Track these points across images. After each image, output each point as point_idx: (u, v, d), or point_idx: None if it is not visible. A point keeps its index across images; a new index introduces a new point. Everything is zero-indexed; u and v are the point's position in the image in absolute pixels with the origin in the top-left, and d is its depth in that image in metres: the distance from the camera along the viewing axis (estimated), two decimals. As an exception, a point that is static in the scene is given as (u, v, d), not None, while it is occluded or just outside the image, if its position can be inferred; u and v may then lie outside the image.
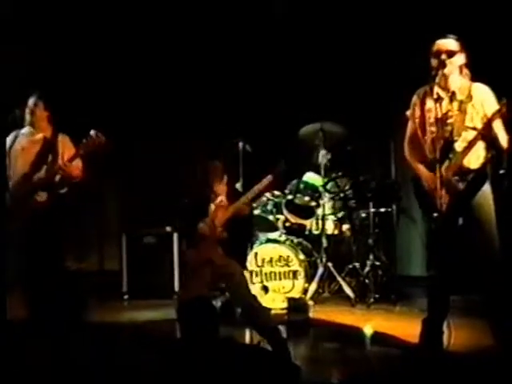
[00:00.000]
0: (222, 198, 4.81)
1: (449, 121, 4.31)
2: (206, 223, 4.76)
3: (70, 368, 4.38)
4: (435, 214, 4.24)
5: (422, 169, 4.41)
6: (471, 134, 4.26)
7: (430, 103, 4.38)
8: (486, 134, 4.21)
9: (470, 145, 4.24)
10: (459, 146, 4.28)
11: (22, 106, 5.34)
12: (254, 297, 4.77)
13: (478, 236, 4.31)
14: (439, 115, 4.27)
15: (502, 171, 6.08)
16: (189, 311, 4.71)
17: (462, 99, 4.31)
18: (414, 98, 4.53)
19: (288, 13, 7.63)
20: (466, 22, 6.03)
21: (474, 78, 4.40)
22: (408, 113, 4.56)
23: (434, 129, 4.32)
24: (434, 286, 4.47)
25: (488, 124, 4.17)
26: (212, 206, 4.80)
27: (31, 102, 5.36)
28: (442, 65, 4.25)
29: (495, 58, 6.08)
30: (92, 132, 5.11)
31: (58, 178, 5.18)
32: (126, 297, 7.38)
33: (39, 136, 5.35)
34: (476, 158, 4.30)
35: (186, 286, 4.88)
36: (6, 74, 4.62)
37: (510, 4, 5.99)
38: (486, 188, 4.34)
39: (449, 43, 4.33)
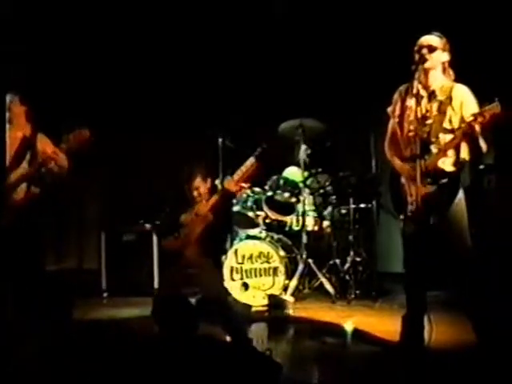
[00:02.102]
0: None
1: (427, 122, 4.30)
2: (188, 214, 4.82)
3: (56, 367, 4.34)
4: (402, 217, 4.29)
5: (399, 162, 4.41)
6: (448, 137, 4.25)
7: (410, 101, 4.37)
8: (463, 138, 4.17)
9: (446, 148, 4.23)
10: (435, 147, 4.28)
11: None
12: (226, 296, 4.75)
13: (451, 235, 4.30)
14: (418, 115, 4.24)
15: (481, 167, 6.12)
16: (166, 308, 4.68)
17: (442, 100, 4.30)
18: (396, 96, 4.51)
19: (271, 10, 7.62)
20: (452, 21, 6.02)
21: (461, 80, 4.36)
22: (389, 110, 4.56)
23: (412, 127, 4.32)
24: (409, 283, 4.47)
25: (464, 129, 4.13)
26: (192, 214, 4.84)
27: (7, 99, 5.27)
28: (422, 59, 4.24)
29: (488, 59, 6.12)
30: (77, 128, 5.02)
31: (51, 165, 5.08)
32: (105, 294, 7.33)
33: (17, 134, 5.26)
34: (452, 161, 4.28)
35: (163, 279, 4.90)
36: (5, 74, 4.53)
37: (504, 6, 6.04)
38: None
39: (431, 39, 4.33)
